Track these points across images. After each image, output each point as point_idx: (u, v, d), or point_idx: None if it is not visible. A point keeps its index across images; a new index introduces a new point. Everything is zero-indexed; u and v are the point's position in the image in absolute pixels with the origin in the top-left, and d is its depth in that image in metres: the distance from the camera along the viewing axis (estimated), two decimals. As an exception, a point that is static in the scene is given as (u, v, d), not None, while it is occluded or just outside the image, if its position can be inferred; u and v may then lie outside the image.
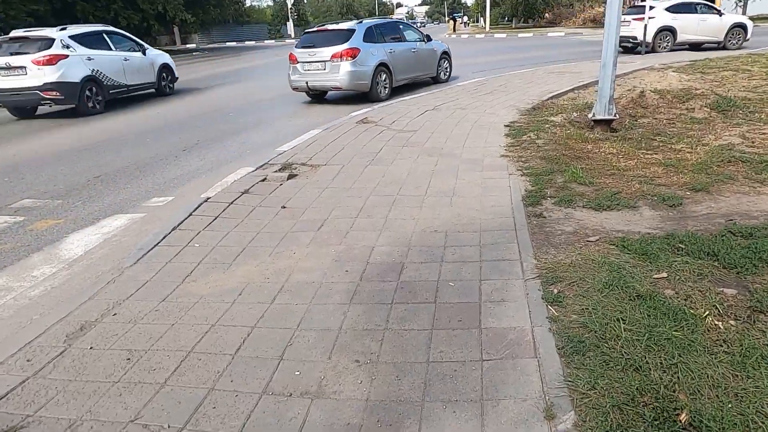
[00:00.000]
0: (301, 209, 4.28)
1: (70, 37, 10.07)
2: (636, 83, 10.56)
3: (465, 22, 65.49)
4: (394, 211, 4.09)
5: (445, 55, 12.27)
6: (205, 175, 5.71)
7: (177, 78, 13.17)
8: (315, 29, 10.37)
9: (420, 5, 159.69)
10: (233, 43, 45.68)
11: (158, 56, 12.22)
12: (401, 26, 11.41)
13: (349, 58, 9.39)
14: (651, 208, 3.88)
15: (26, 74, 9.46)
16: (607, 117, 6.32)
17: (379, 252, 3.41)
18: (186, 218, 4.18)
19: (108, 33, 11.08)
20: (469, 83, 11.42)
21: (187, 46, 45.47)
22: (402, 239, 3.57)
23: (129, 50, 11.29)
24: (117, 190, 5.38)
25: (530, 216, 3.80)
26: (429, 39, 11.76)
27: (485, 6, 46.35)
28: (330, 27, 10.35)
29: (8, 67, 9.52)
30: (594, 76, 11.64)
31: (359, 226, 3.86)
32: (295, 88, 10.27)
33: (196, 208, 4.36)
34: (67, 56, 9.70)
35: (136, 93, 11.67)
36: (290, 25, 54.75)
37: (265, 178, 5.11)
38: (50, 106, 10.26)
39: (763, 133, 5.55)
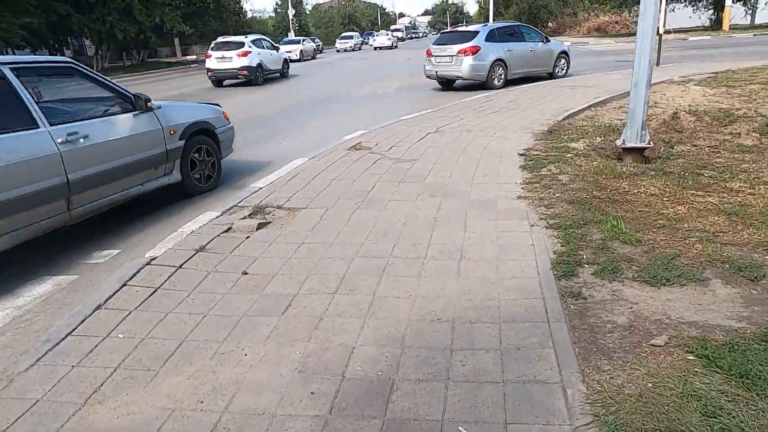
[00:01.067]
0: (266, 277, 3.34)
1: (251, 41, 17.98)
2: (657, 99, 9.62)
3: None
4: (384, 283, 3.14)
5: (564, 54, 13.77)
6: (176, 216, 4.79)
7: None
8: (449, 30, 14.51)
9: (422, 15, 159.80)
10: (233, 55, 45.07)
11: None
12: (523, 29, 13.33)
13: (471, 54, 11.69)
14: (724, 282, 2.92)
15: (231, 61, 17.09)
16: (639, 145, 5.38)
17: (360, 356, 2.46)
18: (118, 290, 3.24)
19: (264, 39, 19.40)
20: (474, 99, 10.52)
21: (187, 57, 44.98)
22: (393, 334, 2.62)
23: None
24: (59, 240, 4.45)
25: (565, 296, 2.85)
26: (548, 40, 13.54)
27: (488, 16, 45.71)
28: (460, 29, 13.97)
29: (223, 58, 17.23)
30: (610, 90, 10.75)
31: (338, 307, 2.91)
32: (429, 76, 12.96)
33: (135, 274, 3.42)
34: (250, 51, 17.45)
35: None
36: (291, 35, 54.29)
37: (230, 227, 4.18)
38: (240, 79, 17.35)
39: (835, 168, 4.60)
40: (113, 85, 4.58)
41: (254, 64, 17.30)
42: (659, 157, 5.48)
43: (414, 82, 14.98)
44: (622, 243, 3.41)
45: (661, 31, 14.83)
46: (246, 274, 3.42)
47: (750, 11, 36.80)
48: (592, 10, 41.94)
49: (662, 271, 3.03)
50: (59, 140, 3.81)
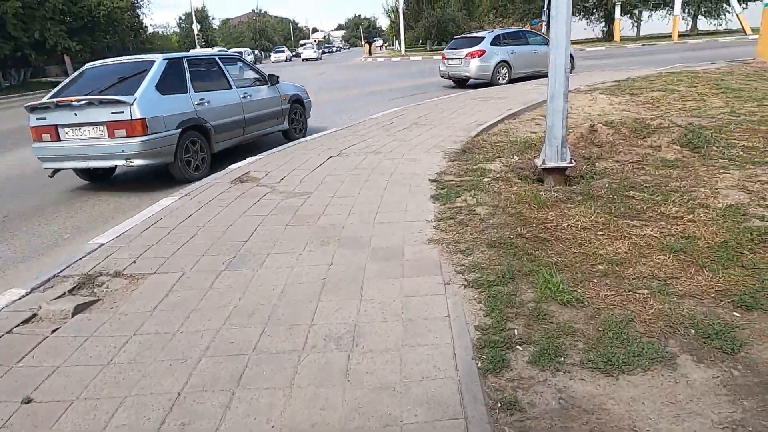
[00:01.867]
0: (59, 406, 2.18)
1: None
2: (568, 108, 9.38)
3: (381, 46, 65.35)
4: (236, 404, 2.11)
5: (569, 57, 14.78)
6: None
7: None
8: (460, 36, 15.89)
9: (336, 30, 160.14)
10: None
11: None
12: (527, 34, 15.05)
13: (477, 57, 13.54)
14: (696, 359, 2.20)
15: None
16: (561, 164, 4.77)
17: None
18: None
19: None
20: (385, 115, 9.75)
21: (78, 76, 41.03)
22: None
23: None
24: None
25: (496, 408, 1.97)
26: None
27: (399, 30, 46.08)
28: (469, 35, 15.58)
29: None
30: (521, 101, 10.43)
31: (153, 466, 1.84)
32: (443, 76, 14.79)
33: None
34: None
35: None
36: (198, 51, 51.58)
37: (35, 315, 2.95)
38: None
39: (765, 183, 4.19)
40: (258, 69, 7.95)
41: None
42: (582, 177, 4.91)
43: (323, 98, 14.02)
44: (560, 305, 2.63)
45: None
46: (29, 402, 2.23)
47: (636, 24, 39.87)
48: (497, 22, 43.47)
49: (616, 347, 2.26)
50: (240, 96, 6.94)
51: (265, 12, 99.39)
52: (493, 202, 4.17)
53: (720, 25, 35.57)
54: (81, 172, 6.33)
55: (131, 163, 5.59)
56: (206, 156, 6.31)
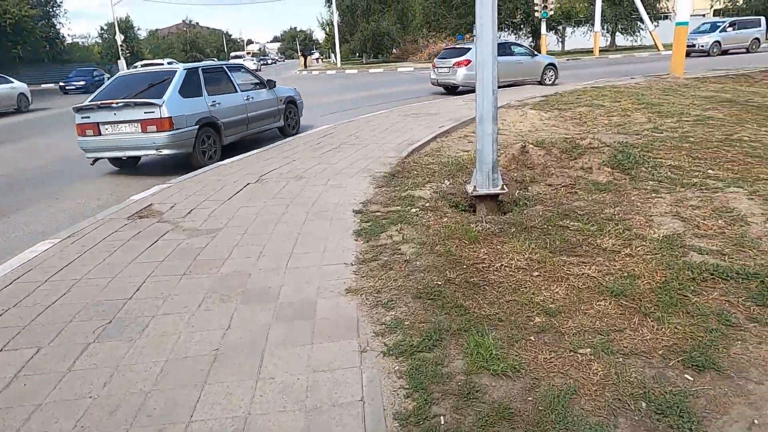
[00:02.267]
0: None
1: None
2: (499, 125, 9.30)
3: (317, 59, 64.76)
4: None
5: (551, 66, 16.03)
6: None
7: None
8: (450, 47, 17.42)
9: (272, 42, 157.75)
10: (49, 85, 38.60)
11: None
12: (513, 46, 16.05)
13: (464, 66, 14.26)
14: (652, 444, 1.85)
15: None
16: (493, 191, 4.46)
17: None
18: None
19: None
20: (314, 133, 9.24)
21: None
22: None
23: None
24: None
25: None
26: (535, 54, 16.26)
27: (334, 43, 45.78)
28: (457, 46, 17.40)
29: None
30: (453, 117, 10.25)
31: None
32: (433, 83, 15.53)
33: None
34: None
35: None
36: (122, 63, 48.77)
37: None
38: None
39: (697, 208, 4.06)
40: (258, 75, 9.26)
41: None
42: (516, 203, 4.63)
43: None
44: (492, 376, 2.22)
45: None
46: None
47: (561, 39, 41.76)
48: (431, 37, 44.17)
49: (561, 436, 1.88)
50: (244, 98, 8.23)
51: (197, 23, 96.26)
52: (420, 238, 3.76)
53: (636, 41, 37.91)
54: (114, 161, 7.64)
55: (160, 153, 6.81)
56: (217, 148, 7.58)
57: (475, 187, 4.51)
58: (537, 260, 3.30)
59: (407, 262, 3.38)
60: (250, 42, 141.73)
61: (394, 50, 49.85)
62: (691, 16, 19.03)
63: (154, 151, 6.79)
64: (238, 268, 3.53)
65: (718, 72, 15.82)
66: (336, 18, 45.73)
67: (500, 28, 40.65)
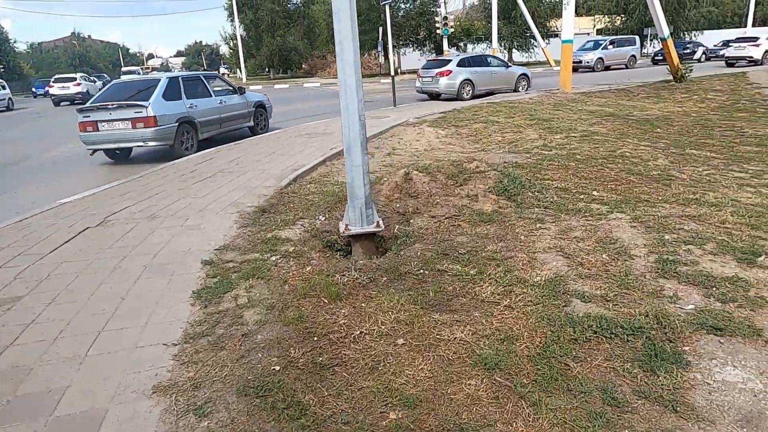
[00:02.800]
0: None
1: None
2: (396, 143, 8.91)
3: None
4: None
5: (524, 75, 17.56)
6: None
7: None
8: (433, 58, 19.45)
9: (176, 56, 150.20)
10: None
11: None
12: (489, 58, 17.58)
13: (446, 76, 15.59)
14: None
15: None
16: (367, 229, 3.90)
17: None
18: None
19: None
20: (192, 159, 8.27)
21: None
22: None
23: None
24: None
25: None
26: (509, 66, 17.93)
27: (239, 58, 44.10)
28: (439, 57, 19.20)
29: None
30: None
31: None
32: (418, 91, 16.97)
33: None
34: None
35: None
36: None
37: None
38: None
39: (581, 240, 3.75)
40: (229, 83, 10.96)
41: None
42: (396, 239, 4.11)
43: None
44: None
45: (392, 73, 15.96)
46: None
47: (463, 53, 43.28)
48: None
49: None
50: (218, 102, 9.73)
51: (88, 36, 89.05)
52: (271, 299, 3.08)
53: (531, 57, 40.18)
54: (108, 152, 9.13)
55: (147, 144, 8.45)
56: (194, 142, 9.11)
57: (347, 225, 3.93)
58: (405, 321, 2.75)
59: (245, 337, 2.69)
60: (151, 56, 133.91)
61: (303, 65, 49.05)
62: (576, 34, 20.36)
63: (142, 143, 8.43)
64: (19, 360, 2.63)
65: (601, 87, 16.81)
66: (240, 32, 44.15)
67: (405, 44, 41.26)
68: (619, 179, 5.47)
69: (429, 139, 9.12)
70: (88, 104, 8.59)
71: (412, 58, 41.11)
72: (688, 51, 31.13)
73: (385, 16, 21.29)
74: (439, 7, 36.70)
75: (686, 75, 16.79)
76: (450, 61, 16.32)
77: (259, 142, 9.69)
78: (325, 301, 3.01)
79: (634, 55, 28.91)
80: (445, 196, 4.86)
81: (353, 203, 3.92)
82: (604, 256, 3.44)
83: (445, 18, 31.68)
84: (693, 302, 2.79)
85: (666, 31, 16.62)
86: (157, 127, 8.23)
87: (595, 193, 4.98)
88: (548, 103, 13.13)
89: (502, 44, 39.23)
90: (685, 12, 38.92)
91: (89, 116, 8.36)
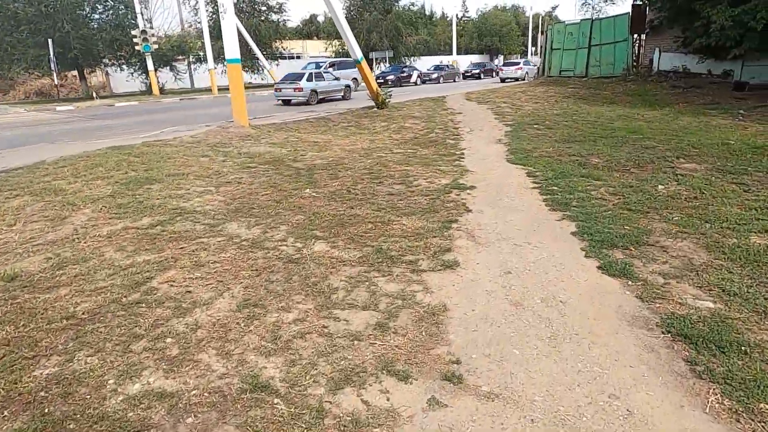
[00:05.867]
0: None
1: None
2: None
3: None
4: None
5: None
6: None
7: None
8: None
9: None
10: None
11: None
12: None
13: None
14: None
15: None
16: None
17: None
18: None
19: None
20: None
21: None
22: None
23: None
24: None
25: None
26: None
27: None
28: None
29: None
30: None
31: None
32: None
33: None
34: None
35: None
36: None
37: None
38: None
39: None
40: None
41: None
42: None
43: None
44: None
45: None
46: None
47: (178, 76, 38.50)
48: (29, 74, 37.74)
49: None
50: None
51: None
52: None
53: (263, 79, 38.85)
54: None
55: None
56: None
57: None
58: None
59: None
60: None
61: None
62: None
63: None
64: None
65: (300, 117, 15.14)
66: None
67: (107, 64, 36.09)
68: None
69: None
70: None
71: (120, 79, 37.30)
72: (404, 74, 34.88)
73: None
74: (135, 19, 30.55)
75: (387, 101, 16.58)
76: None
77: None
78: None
79: (356, 78, 26.03)
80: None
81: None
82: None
83: (144, 32, 28.85)
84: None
85: (359, 53, 17.01)
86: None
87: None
88: (206, 143, 10.18)
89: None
90: (404, 39, 43.24)
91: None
